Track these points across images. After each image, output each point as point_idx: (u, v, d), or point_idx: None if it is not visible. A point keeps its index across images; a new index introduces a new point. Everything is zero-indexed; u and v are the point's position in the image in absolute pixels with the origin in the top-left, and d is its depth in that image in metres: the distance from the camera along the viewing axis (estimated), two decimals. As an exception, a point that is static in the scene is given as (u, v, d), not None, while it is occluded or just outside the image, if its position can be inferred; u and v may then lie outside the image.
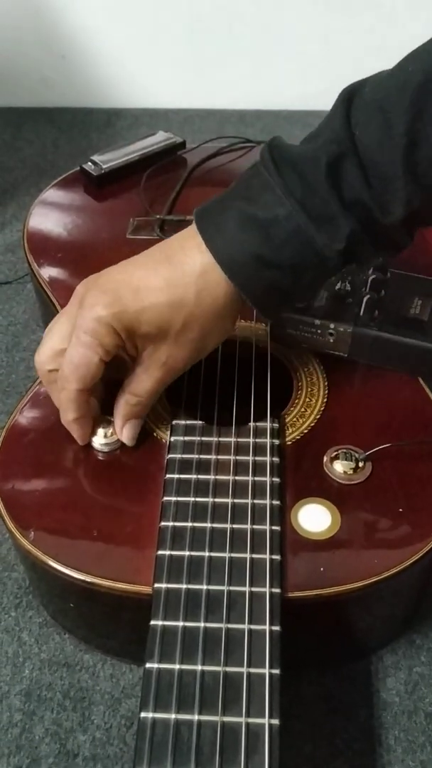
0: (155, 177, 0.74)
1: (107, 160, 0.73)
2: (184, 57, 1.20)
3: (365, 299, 0.51)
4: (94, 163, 0.73)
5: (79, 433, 0.47)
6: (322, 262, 0.42)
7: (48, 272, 0.63)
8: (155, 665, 0.37)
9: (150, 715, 0.35)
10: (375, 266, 0.55)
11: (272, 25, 1.15)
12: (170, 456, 0.47)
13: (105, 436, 0.48)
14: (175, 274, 0.43)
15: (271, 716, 0.35)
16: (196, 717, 0.35)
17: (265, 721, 0.35)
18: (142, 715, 0.35)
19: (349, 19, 1.14)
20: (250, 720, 0.35)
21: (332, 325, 0.51)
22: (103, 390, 0.48)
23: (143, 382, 0.45)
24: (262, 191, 0.42)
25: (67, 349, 0.44)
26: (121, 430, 0.47)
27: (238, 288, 0.42)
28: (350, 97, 0.42)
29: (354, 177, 0.41)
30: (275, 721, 0.35)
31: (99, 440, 0.47)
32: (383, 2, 1.12)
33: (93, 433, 0.48)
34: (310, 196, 0.41)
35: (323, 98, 1.27)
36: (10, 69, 1.23)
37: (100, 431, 0.48)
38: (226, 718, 0.35)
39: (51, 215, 0.70)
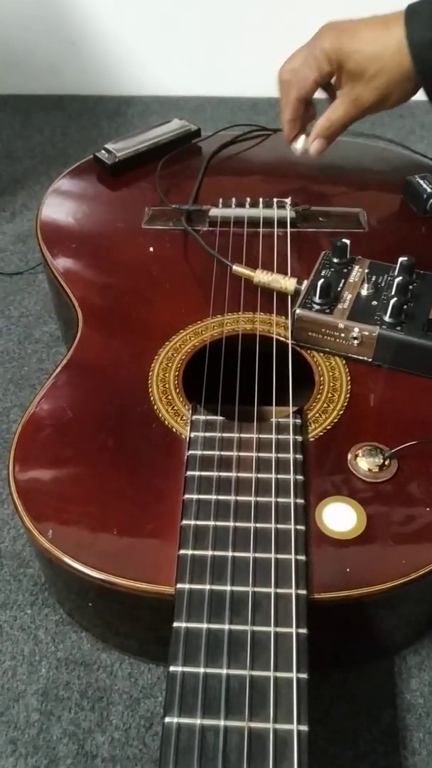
0: (170, 165, 0.73)
1: (121, 148, 0.72)
2: (196, 44, 1.18)
3: (392, 302, 0.49)
4: (108, 151, 0.72)
5: (287, 133, 0.66)
6: None
7: (61, 262, 0.62)
8: (179, 668, 0.36)
9: (175, 720, 0.34)
10: (401, 267, 0.54)
11: (284, 12, 1.13)
12: (190, 452, 0.46)
13: (301, 148, 0.66)
14: (383, 35, 0.57)
15: (299, 722, 0.34)
16: (222, 722, 0.34)
17: (294, 727, 0.34)
18: (167, 720, 0.34)
19: (361, 6, 1.11)
20: (278, 726, 0.34)
21: (357, 329, 0.50)
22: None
23: (336, 110, 0.61)
24: None
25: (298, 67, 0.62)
26: (312, 142, 0.64)
27: (415, 63, 0.55)
28: None
29: None
30: (304, 728, 0.34)
31: (296, 147, 0.67)
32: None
33: (295, 139, 0.67)
34: None
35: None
36: (20, 56, 1.21)
37: (301, 139, 0.67)
38: (253, 724, 0.34)
39: (64, 204, 0.69)
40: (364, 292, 0.53)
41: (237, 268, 0.58)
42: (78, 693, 0.47)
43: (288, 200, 0.66)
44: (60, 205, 0.69)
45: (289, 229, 0.64)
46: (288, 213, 0.65)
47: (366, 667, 0.48)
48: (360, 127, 1.13)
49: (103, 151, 0.72)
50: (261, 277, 0.57)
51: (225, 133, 0.78)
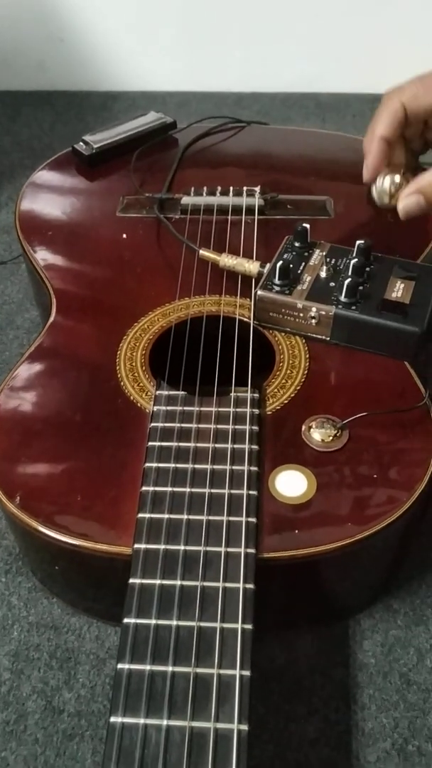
0: (146, 156, 0.75)
1: (99, 140, 0.74)
2: (181, 40, 1.20)
3: (347, 282, 0.52)
4: (86, 143, 0.74)
5: (373, 161, 0.53)
6: None
7: (39, 252, 0.65)
8: (132, 620, 0.38)
9: (126, 666, 0.37)
10: (358, 250, 0.56)
11: (269, 8, 1.16)
12: (152, 424, 0.48)
13: (380, 194, 0.54)
14: None
15: (242, 668, 0.36)
16: (170, 668, 0.36)
17: (236, 672, 0.36)
18: (119, 666, 0.37)
19: (346, 1, 1.14)
20: (222, 671, 0.36)
21: (314, 308, 0.52)
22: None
23: None
24: None
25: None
26: (406, 196, 0.51)
27: None
28: None
29: None
30: (246, 672, 0.36)
31: (383, 187, 0.53)
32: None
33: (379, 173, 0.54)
34: None
35: (320, 81, 1.29)
36: (7, 52, 1.24)
37: (386, 180, 0.53)
38: (199, 670, 0.36)
39: (42, 196, 0.72)
40: (322, 274, 0.55)
41: (203, 253, 0.60)
42: (47, 654, 0.49)
43: (257, 189, 0.68)
44: (38, 196, 0.71)
45: (257, 216, 0.66)
46: (256, 201, 0.67)
47: (322, 630, 0.50)
48: (334, 118, 1.15)
49: (81, 143, 0.75)
50: (226, 261, 0.59)
51: (200, 125, 0.81)
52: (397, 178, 0.53)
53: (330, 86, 1.22)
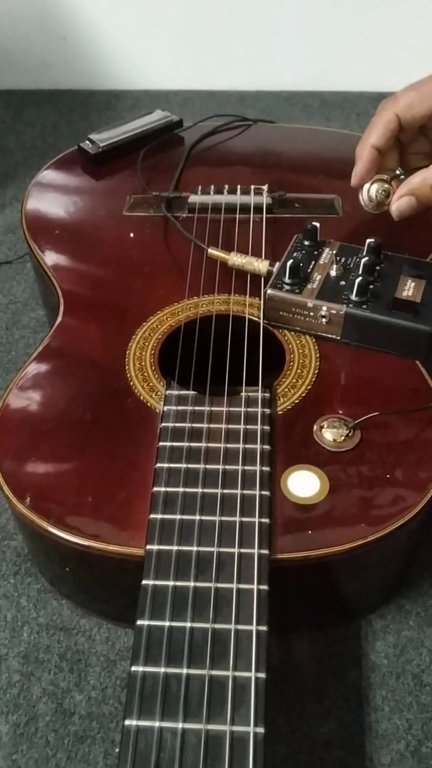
0: (152, 155, 0.75)
1: (104, 138, 0.74)
2: (185, 38, 1.20)
3: (357, 281, 0.51)
4: (92, 141, 0.74)
5: (363, 167, 0.53)
6: None
7: (45, 250, 0.64)
8: (146, 622, 0.38)
9: (140, 669, 0.36)
10: (368, 249, 0.56)
11: (272, 7, 1.15)
12: (163, 425, 0.48)
13: (377, 192, 0.53)
14: None
15: (257, 670, 0.36)
16: (185, 671, 0.36)
17: (252, 674, 0.36)
18: (133, 668, 0.36)
19: (349, 0, 1.14)
20: (237, 673, 0.36)
21: (325, 307, 0.52)
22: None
23: None
24: None
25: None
26: (399, 198, 0.51)
27: None
28: None
29: None
30: (261, 675, 0.36)
31: (369, 195, 0.53)
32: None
33: (370, 181, 0.53)
34: None
35: (323, 79, 1.28)
36: (11, 51, 1.23)
37: (374, 187, 0.53)
38: (214, 672, 0.36)
39: (48, 194, 0.71)
40: (333, 272, 0.55)
41: (212, 251, 0.60)
42: (57, 656, 0.49)
43: (265, 187, 0.68)
44: (44, 195, 0.71)
45: (265, 215, 0.66)
46: (264, 199, 0.67)
47: (334, 630, 0.50)
48: (338, 116, 1.14)
49: (87, 142, 0.74)
50: (235, 259, 0.59)
51: (206, 124, 0.80)
52: (385, 185, 0.53)
53: (334, 84, 1.21)
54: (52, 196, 0.71)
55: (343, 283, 0.54)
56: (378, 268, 0.55)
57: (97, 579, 0.48)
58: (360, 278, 0.52)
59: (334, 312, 0.52)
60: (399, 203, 0.51)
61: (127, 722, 0.34)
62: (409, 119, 0.53)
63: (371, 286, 0.53)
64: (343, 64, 1.20)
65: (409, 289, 0.53)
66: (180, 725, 0.34)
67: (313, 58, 1.20)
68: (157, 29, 1.20)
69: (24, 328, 0.76)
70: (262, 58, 1.21)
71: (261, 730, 0.34)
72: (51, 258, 0.63)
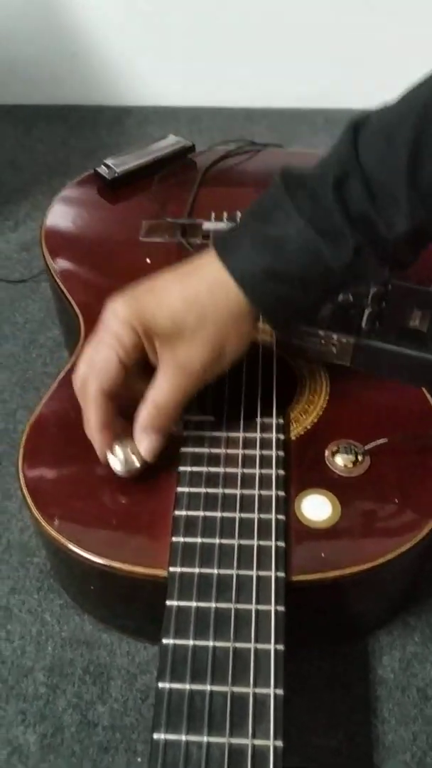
0: (165, 180, 0.77)
1: (120, 163, 0.76)
2: (193, 56, 1.22)
3: (367, 311, 0.54)
4: (108, 166, 0.76)
5: (99, 446, 0.47)
6: (329, 275, 0.45)
7: (64, 271, 0.67)
8: (171, 641, 0.40)
9: (167, 685, 0.39)
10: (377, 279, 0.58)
11: (279, 24, 1.18)
12: (183, 449, 0.50)
13: (125, 460, 0.47)
14: (192, 279, 0.46)
15: (276, 686, 0.39)
16: (208, 687, 0.39)
17: (271, 691, 0.38)
18: (160, 685, 0.39)
19: (355, 17, 1.16)
20: (257, 690, 0.38)
21: (335, 336, 0.54)
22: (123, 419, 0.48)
23: (162, 388, 0.46)
24: (274, 211, 0.45)
25: (92, 354, 0.46)
26: (139, 442, 0.47)
27: (250, 300, 0.45)
28: (356, 126, 0.46)
29: (359, 193, 0.44)
30: (280, 691, 0.38)
31: (116, 461, 0.47)
32: (390, 1, 1.14)
33: (111, 449, 0.47)
34: (319, 213, 0.44)
35: (329, 97, 1.30)
36: (21, 66, 1.26)
37: (119, 450, 0.47)
38: (235, 688, 0.39)
39: (67, 216, 0.74)
40: (343, 301, 0.57)
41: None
42: (81, 669, 0.51)
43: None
44: (63, 217, 0.73)
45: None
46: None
47: (342, 646, 0.53)
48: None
49: (102, 166, 0.77)
50: (249, 287, 0.61)
51: (218, 148, 0.83)
52: (128, 442, 0.48)
53: (339, 102, 1.24)
54: (70, 219, 0.73)
55: (352, 312, 0.56)
56: (387, 297, 0.57)
57: (120, 597, 0.50)
58: (369, 308, 0.54)
59: (344, 341, 0.55)
60: (143, 446, 0.47)
61: (155, 736, 0.37)
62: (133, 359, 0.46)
63: (380, 316, 0.55)
64: (348, 81, 1.22)
65: (416, 319, 0.56)
66: (205, 739, 0.37)
67: (318, 75, 1.22)
68: (166, 47, 1.22)
69: (41, 347, 0.78)
70: (268, 75, 1.24)
71: (280, 743, 0.37)
72: (71, 284, 0.65)
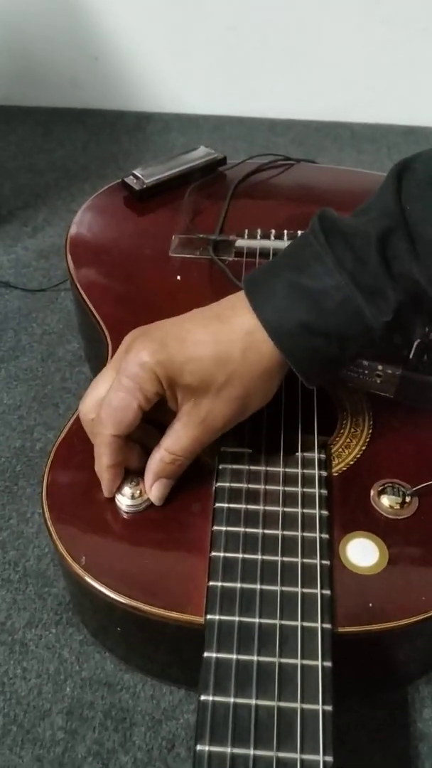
0: (196, 193, 0.74)
1: (149, 174, 0.74)
2: (217, 64, 1.20)
3: (415, 342, 0.51)
4: (136, 177, 0.74)
5: (108, 484, 0.46)
6: (368, 332, 0.42)
7: (90, 284, 0.64)
8: (210, 698, 0.37)
9: (206, 748, 0.36)
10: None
11: (306, 36, 1.15)
12: (219, 484, 0.47)
13: (132, 496, 0.46)
14: (223, 330, 0.44)
15: (325, 753, 0.36)
16: (251, 752, 0.36)
17: (320, 758, 0.35)
18: (198, 748, 0.36)
19: (382, 32, 1.14)
20: (305, 756, 0.35)
21: (380, 367, 0.52)
22: (140, 451, 0.47)
23: (180, 439, 0.44)
24: (312, 261, 0.43)
25: (108, 394, 0.44)
26: (150, 488, 0.46)
27: (283, 353, 0.43)
28: (401, 171, 0.43)
29: (403, 250, 0.41)
30: (329, 758, 0.35)
31: (125, 500, 0.46)
32: (419, 16, 1.12)
33: (120, 490, 0.46)
34: (359, 269, 0.41)
35: (354, 110, 1.28)
36: (42, 68, 1.23)
37: (127, 490, 0.46)
38: (281, 754, 0.36)
39: (93, 227, 0.71)
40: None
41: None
42: (102, 713, 0.48)
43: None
44: (89, 227, 0.70)
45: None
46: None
47: (381, 696, 0.50)
48: (369, 149, 1.14)
49: (131, 177, 0.74)
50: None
51: (249, 161, 0.80)
52: (136, 480, 0.47)
53: (364, 116, 1.22)
54: (97, 230, 0.70)
55: (399, 342, 0.54)
56: (433, 327, 0.54)
57: (146, 638, 0.47)
58: (419, 340, 0.51)
59: (389, 372, 0.52)
60: (154, 493, 0.46)
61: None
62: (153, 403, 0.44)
63: (429, 348, 0.52)
64: (374, 95, 1.20)
65: (463, 350, 0.53)
66: None
67: (344, 88, 1.20)
68: (190, 53, 1.20)
69: (59, 361, 0.75)
70: (293, 86, 1.22)
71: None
72: (96, 293, 0.62)
